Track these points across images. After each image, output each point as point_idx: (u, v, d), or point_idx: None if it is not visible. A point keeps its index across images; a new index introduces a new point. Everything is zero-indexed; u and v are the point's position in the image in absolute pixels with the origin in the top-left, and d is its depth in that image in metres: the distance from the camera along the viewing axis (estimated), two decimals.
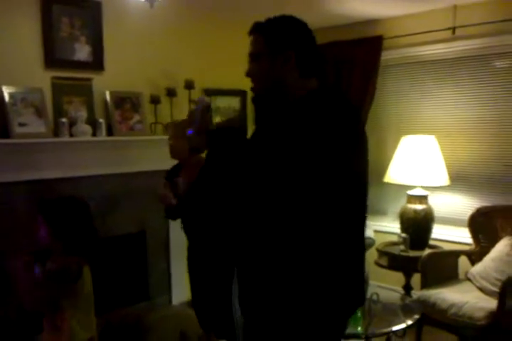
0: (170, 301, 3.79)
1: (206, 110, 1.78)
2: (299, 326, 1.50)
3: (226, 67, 4.08)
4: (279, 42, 1.56)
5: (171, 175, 2.91)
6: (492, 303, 3.00)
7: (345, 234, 1.54)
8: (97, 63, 3.40)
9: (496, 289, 3.09)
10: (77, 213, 2.33)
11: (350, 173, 1.52)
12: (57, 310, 2.17)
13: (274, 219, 1.45)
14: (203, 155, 1.69)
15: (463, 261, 3.63)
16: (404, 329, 2.83)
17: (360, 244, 1.65)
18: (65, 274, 2.17)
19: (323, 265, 1.48)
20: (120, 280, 3.53)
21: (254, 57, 1.61)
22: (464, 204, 4.01)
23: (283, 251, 1.46)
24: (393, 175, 3.93)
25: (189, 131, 1.74)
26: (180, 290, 3.66)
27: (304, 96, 1.53)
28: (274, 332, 1.53)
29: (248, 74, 1.64)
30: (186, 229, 2.67)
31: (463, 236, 3.81)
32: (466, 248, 3.70)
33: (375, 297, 3.09)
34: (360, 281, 1.65)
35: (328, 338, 1.59)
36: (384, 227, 4.38)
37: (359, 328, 2.85)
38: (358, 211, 1.61)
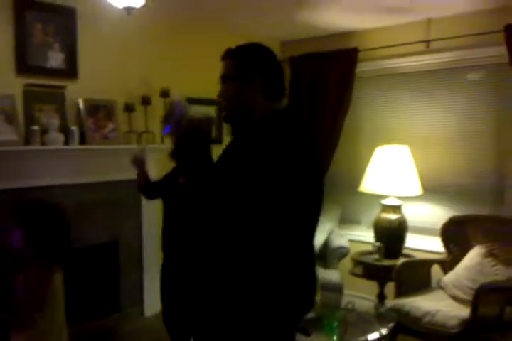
0: (142, 313, 3.72)
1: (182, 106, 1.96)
2: (251, 326, 1.64)
3: (203, 75, 4.05)
4: (247, 66, 1.73)
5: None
6: (464, 311, 3.03)
7: (298, 242, 1.69)
8: (70, 71, 3.36)
9: (468, 297, 3.12)
10: (53, 218, 2.29)
11: (303, 187, 1.64)
12: (29, 321, 2.12)
13: (235, 224, 1.59)
14: None
15: (435, 269, 3.66)
16: (379, 338, 2.84)
17: (311, 251, 1.79)
18: (40, 285, 2.13)
19: (277, 269, 1.63)
20: (91, 291, 3.46)
21: (225, 79, 1.78)
22: (436, 213, 4.06)
23: (241, 255, 1.61)
24: (367, 184, 3.96)
25: (166, 129, 1.88)
26: (153, 302, 3.59)
27: (266, 116, 1.70)
28: (225, 333, 1.67)
29: (219, 95, 1.81)
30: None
31: (435, 245, 3.85)
32: (439, 257, 3.74)
33: (350, 306, 3.10)
34: (312, 286, 1.78)
35: (281, 334, 1.73)
36: (358, 236, 4.41)
37: (334, 337, 2.85)
38: (310, 221, 1.74)
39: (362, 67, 4.32)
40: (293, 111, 1.84)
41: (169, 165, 3.19)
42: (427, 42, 3.97)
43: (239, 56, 1.76)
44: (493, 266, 3.31)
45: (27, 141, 3.07)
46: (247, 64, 1.74)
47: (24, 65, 3.14)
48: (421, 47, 4.01)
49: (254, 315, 1.63)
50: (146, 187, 3.03)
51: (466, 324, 2.95)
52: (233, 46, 1.80)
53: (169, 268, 3.00)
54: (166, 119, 2.07)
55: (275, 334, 1.69)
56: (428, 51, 4.00)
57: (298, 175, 1.61)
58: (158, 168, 3.33)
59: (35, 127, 3.07)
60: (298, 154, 1.64)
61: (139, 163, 2.96)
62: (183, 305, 2.94)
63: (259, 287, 1.62)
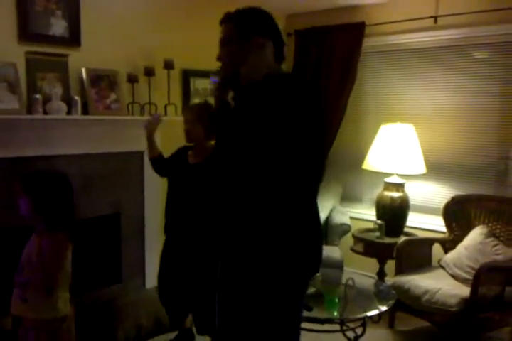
0: (143, 285, 3.73)
1: None
2: (259, 283, 1.69)
3: (207, 48, 3.97)
4: (247, 27, 1.75)
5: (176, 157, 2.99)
6: (465, 290, 3.04)
7: (303, 199, 1.73)
8: (73, 39, 3.27)
9: (469, 277, 3.14)
10: (60, 187, 2.28)
11: (306, 143, 1.66)
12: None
13: (246, 182, 1.66)
14: None
15: (436, 248, 3.67)
16: (379, 315, 2.86)
17: (316, 211, 1.81)
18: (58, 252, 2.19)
19: (284, 223, 1.68)
20: (92, 262, 3.46)
21: (224, 41, 1.79)
22: (439, 192, 4.05)
23: (251, 213, 1.68)
24: (371, 162, 3.94)
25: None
26: (154, 274, 3.59)
27: (269, 75, 1.72)
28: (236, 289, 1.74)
29: (218, 57, 1.81)
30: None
31: (437, 224, 3.86)
32: (440, 236, 3.75)
33: (350, 282, 3.11)
34: (318, 249, 1.81)
35: (290, 296, 1.75)
36: (360, 214, 4.41)
37: (335, 313, 2.87)
38: (314, 179, 1.77)
39: (367, 43, 4.25)
40: (300, 74, 1.86)
41: (172, 135, 3.20)
42: (435, 18, 3.89)
43: (238, 19, 1.78)
44: (495, 245, 3.32)
45: (29, 110, 3.01)
46: (246, 25, 1.76)
47: (26, 32, 3.05)
48: (429, 23, 3.93)
49: (262, 270, 1.68)
50: (158, 160, 3.01)
51: (466, 303, 2.98)
52: (232, 10, 1.82)
53: (170, 249, 2.99)
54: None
55: (284, 291, 1.72)
56: (436, 27, 3.92)
57: (302, 132, 1.63)
58: (161, 139, 3.30)
59: (38, 96, 3.01)
60: (304, 110, 1.65)
61: (151, 128, 3.00)
62: (181, 285, 2.94)
63: (266, 242, 1.67)
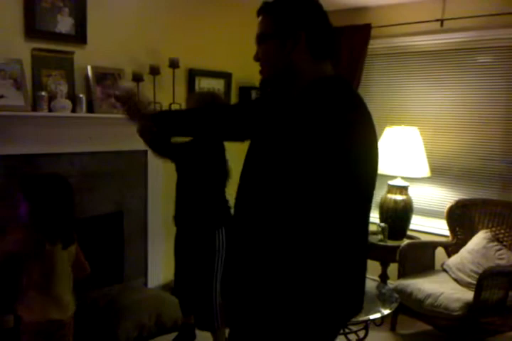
0: (146, 284, 3.72)
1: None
2: (286, 326, 1.36)
3: (213, 48, 4.00)
4: (288, 22, 1.44)
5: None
6: (467, 295, 3.03)
7: (348, 231, 1.39)
8: (79, 36, 3.26)
9: (472, 281, 3.13)
10: (59, 192, 2.25)
11: (353, 168, 1.35)
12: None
13: (275, 205, 1.34)
14: None
15: (440, 252, 3.66)
16: (381, 318, 2.84)
17: (364, 244, 1.47)
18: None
19: (322, 261, 1.34)
20: (94, 262, 3.44)
21: (261, 38, 1.49)
22: (442, 196, 4.03)
23: (280, 240, 1.34)
24: None
25: None
26: (157, 274, 3.60)
27: (315, 80, 1.43)
28: (257, 328, 1.40)
29: (255, 58, 1.52)
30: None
31: (441, 227, 3.85)
32: (444, 239, 3.74)
33: None
34: (361, 286, 1.49)
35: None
36: None
37: None
38: (361, 208, 1.44)
39: (373, 45, 4.23)
40: (346, 77, 1.51)
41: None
42: (441, 21, 3.88)
43: (278, 11, 1.46)
44: (498, 250, 3.31)
45: (34, 107, 3.00)
46: (288, 19, 1.44)
47: (33, 29, 3.04)
48: (435, 26, 3.92)
49: (296, 310, 1.35)
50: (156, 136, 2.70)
51: (469, 307, 2.96)
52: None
53: (182, 240, 2.96)
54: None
55: (315, 334, 1.40)
56: (442, 30, 3.91)
57: (348, 157, 1.32)
58: None
59: (43, 93, 3.00)
60: (353, 128, 1.35)
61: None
62: (194, 279, 2.93)
63: (302, 276, 1.34)
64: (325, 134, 1.29)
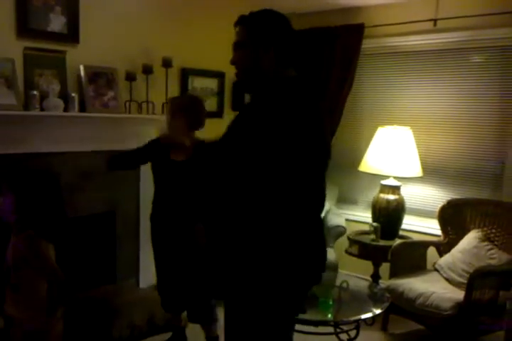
0: (137, 284, 3.71)
1: None
2: (265, 287, 1.68)
3: (206, 47, 3.99)
4: (259, 34, 1.74)
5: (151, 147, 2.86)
6: (459, 294, 3.05)
7: (305, 205, 1.73)
8: (71, 35, 3.25)
9: (463, 280, 3.14)
10: (46, 186, 2.23)
11: (308, 149, 1.68)
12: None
13: (246, 184, 1.66)
14: None
15: (431, 251, 3.68)
16: (373, 317, 2.85)
17: (319, 219, 1.83)
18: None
19: (287, 229, 1.68)
20: (86, 262, 3.44)
21: (237, 46, 1.79)
22: (435, 196, 4.05)
23: (252, 214, 1.67)
24: (368, 164, 3.94)
25: None
26: (149, 274, 3.57)
27: (277, 82, 1.74)
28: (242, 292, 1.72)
29: (232, 61, 1.82)
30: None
31: (432, 227, 3.87)
32: (435, 239, 3.75)
33: (344, 285, 3.10)
34: (322, 249, 1.83)
35: (291, 303, 1.77)
36: (355, 216, 4.41)
37: (329, 315, 2.87)
38: (317, 182, 1.78)
39: (366, 44, 4.24)
40: (304, 78, 1.83)
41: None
42: (435, 21, 3.89)
43: (251, 24, 1.77)
44: (489, 250, 3.32)
45: (26, 106, 2.99)
46: (259, 32, 1.74)
47: (25, 27, 3.03)
48: (428, 25, 3.93)
49: (262, 276, 1.68)
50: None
51: (460, 307, 2.98)
52: (247, 13, 1.80)
53: (164, 235, 2.97)
54: None
55: (284, 297, 1.72)
56: (435, 30, 3.92)
57: (304, 138, 1.66)
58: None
59: (35, 92, 2.99)
60: (306, 117, 1.68)
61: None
62: (177, 276, 2.93)
63: (268, 246, 1.66)
64: (282, 122, 1.62)
